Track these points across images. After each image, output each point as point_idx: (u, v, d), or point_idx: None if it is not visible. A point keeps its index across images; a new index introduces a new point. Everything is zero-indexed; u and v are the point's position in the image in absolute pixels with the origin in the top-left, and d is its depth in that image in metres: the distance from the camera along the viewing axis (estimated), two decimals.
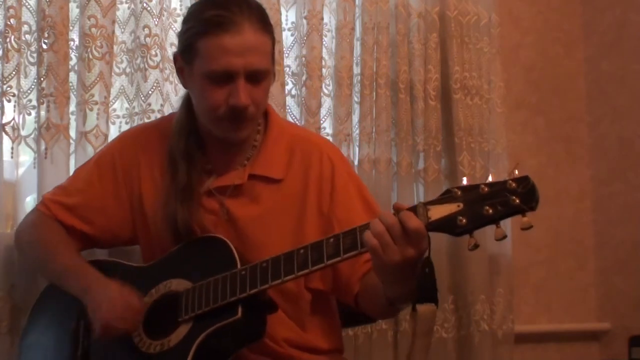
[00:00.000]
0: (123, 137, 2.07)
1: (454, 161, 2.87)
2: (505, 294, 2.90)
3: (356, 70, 2.73)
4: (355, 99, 2.73)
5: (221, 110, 1.78)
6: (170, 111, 2.43)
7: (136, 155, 1.95)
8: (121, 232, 1.96)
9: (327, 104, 2.69)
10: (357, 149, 2.71)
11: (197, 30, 1.78)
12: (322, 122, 2.65)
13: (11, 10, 2.23)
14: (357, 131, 2.72)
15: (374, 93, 2.73)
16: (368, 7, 2.74)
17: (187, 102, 1.91)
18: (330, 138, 2.65)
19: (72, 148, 2.32)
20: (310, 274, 1.80)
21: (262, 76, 1.78)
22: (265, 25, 1.80)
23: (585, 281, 3.30)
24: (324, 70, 2.66)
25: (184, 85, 1.89)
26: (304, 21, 2.62)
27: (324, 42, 2.67)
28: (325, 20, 2.68)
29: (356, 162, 2.69)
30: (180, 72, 1.88)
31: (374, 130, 2.73)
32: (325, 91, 2.68)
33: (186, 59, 1.82)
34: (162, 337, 1.74)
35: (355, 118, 2.73)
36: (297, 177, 1.88)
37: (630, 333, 3.03)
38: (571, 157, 3.35)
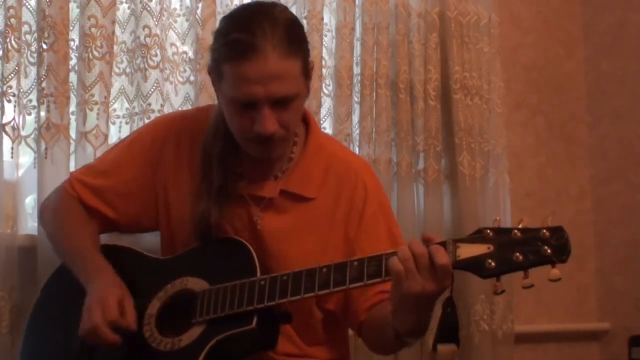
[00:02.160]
0: (156, 125, 2.03)
1: (454, 161, 2.87)
2: (505, 294, 2.88)
3: (356, 70, 2.73)
4: (355, 99, 2.73)
5: (248, 135, 1.74)
6: (171, 111, 2.43)
7: (167, 145, 1.92)
8: (144, 219, 1.95)
9: (327, 104, 2.69)
10: (357, 149, 2.70)
11: (220, 54, 1.72)
12: (322, 122, 2.65)
13: (11, 10, 2.23)
14: (357, 131, 2.71)
15: (374, 93, 2.73)
16: (368, 7, 2.74)
17: None
18: None
19: (72, 148, 2.31)
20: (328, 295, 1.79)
21: (289, 100, 1.71)
22: (293, 44, 1.70)
23: (585, 281, 3.30)
24: (324, 70, 2.65)
25: (217, 98, 1.84)
26: (304, 21, 2.61)
27: (324, 42, 2.67)
28: (325, 20, 2.67)
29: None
30: (213, 84, 1.82)
31: (374, 130, 2.72)
32: (325, 91, 2.68)
33: (215, 77, 1.77)
34: (174, 335, 1.73)
35: (355, 118, 2.72)
36: (328, 197, 1.85)
37: (630, 333, 3.04)
38: (571, 157, 3.35)
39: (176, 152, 1.91)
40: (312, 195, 1.85)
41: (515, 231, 1.50)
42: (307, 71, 1.77)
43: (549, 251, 1.47)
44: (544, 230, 1.48)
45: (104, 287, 1.76)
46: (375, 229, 1.85)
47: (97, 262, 1.84)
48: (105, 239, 2.07)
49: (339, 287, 1.61)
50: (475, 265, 1.50)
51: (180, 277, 1.80)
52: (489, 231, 1.51)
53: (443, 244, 1.53)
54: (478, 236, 1.52)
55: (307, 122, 1.91)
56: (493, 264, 1.49)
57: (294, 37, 1.72)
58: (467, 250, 1.51)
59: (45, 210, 2.03)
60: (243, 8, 1.84)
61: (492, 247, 1.50)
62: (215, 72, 1.76)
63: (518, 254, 1.48)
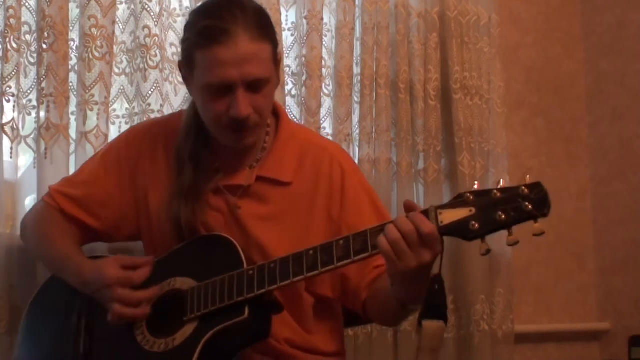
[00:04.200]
0: (131, 132, 2.05)
1: (454, 161, 2.87)
2: (505, 294, 2.90)
3: (356, 70, 2.73)
4: (355, 99, 2.73)
5: (223, 121, 1.76)
6: (170, 111, 2.43)
7: (143, 150, 1.94)
8: (125, 226, 1.95)
9: (327, 104, 2.69)
10: (357, 149, 2.71)
11: (192, 42, 1.76)
12: (322, 122, 2.65)
13: (11, 10, 2.23)
14: (357, 131, 2.72)
15: (374, 93, 2.73)
16: (368, 7, 2.74)
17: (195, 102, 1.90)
18: (330, 138, 2.65)
19: (72, 148, 2.32)
20: (318, 279, 1.80)
21: (262, 84, 1.75)
22: (263, 29, 1.75)
23: (585, 281, 3.30)
24: (324, 70, 2.66)
25: (189, 92, 1.88)
26: (304, 21, 2.62)
27: (324, 42, 2.67)
28: (325, 20, 2.68)
29: (356, 162, 2.69)
30: (184, 79, 1.86)
31: (374, 130, 2.73)
32: (325, 91, 2.68)
33: (187, 68, 1.80)
34: (166, 335, 1.73)
35: (355, 118, 2.73)
36: (306, 181, 1.87)
37: (630, 333, 3.03)
38: (571, 157, 3.35)
39: (153, 158, 1.93)
40: (288, 179, 1.87)
41: (495, 191, 1.51)
42: (276, 59, 1.81)
43: (529, 206, 1.48)
44: (523, 188, 1.49)
45: (96, 271, 1.78)
46: (359, 205, 1.87)
47: (89, 262, 1.85)
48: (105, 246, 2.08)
49: (327, 266, 1.62)
50: (459, 229, 1.52)
51: (167, 278, 1.80)
52: (469, 195, 1.53)
53: (425, 212, 1.54)
54: (459, 200, 1.54)
55: (278, 113, 1.94)
56: (477, 225, 1.50)
57: (263, 23, 1.77)
58: (450, 215, 1.53)
59: (26, 225, 2.02)
60: (211, 0, 1.86)
61: (473, 210, 1.51)
62: (187, 63, 1.78)
63: (500, 213, 1.49)
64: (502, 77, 2.99)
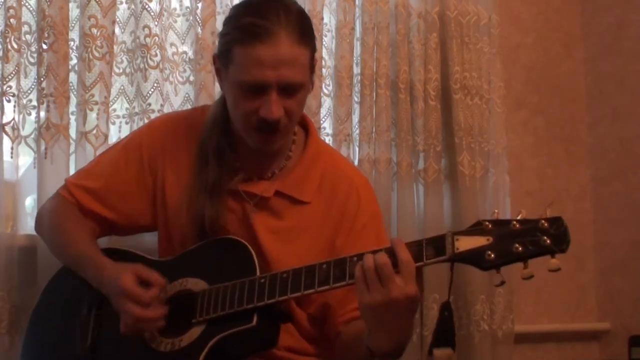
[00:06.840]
0: (152, 124, 2.05)
1: (454, 161, 2.87)
2: (505, 294, 2.90)
3: (356, 70, 2.73)
4: (355, 99, 2.72)
5: (252, 121, 1.75)
6: (171, 111, 2.43)
7: (164, 143, 1.93)
8: (142, 219, 1.95)
9: (327, 104, 2.69)
10: (357, 149, 2.71)
11: (232, 37, 1.75)
12: (322, 122, 2.65)
13: (11, 10, 2.23)
14: (357, 131, 2.71)
15: (374, 93, 2.73)
16: (368, 7, 2.74)
17: (224, 98, 1.89)
18: (330, 138, 2.65)
19: (72, 148, 2.32)
20: (308, 300, 1.80)
21: (296, 89, 1.75)
22: (304, 35, 1.75)
23: (585, 281, 3.30)
24: (324, 70, 2.65)
25: (220, 87, 1.87)
26: None
27: (324, 42, 2.67)
28: (325, 20, 2.67)
29: (356, 162, 2.68)
30: (217, 72, 1.85)
31: (374, 130, 2.72)
32: (325, 91, 2.68)
33: (222, 62, 1.79)
34: (174, 335, 1.73)
35: (355, 118, 2.72)
36: (321, 203, 1.87)
37: (630, 333, 3.03)
38: (571, 157, 3.35)
39: (173, 152, 1.92)
40: (308, 199, 1.86)
41: (514, 222, 1.50)
42: (312, 65, 1.80)
43: (548, 241, 1.47)
44: (543, 221, 1.48)
45: (114, 277, 1.76)
46: (364, 240, 1.83)
47: (105, 262, 1.84)
48: (105, 241, 2.07)
49: (339, 282, 1.61)
50: (474, 257, 1.51)
51: (179, 278, 1.79)
52: (487, 223, 1.52)
53: (442, 237, 1.53)
54: (477, 228, 1.52)
55: (306, 125, 1.93)
56: (492, 255, 1.49)
57: (305, 28, 1.77)
58: (466, 243, 1.51)
59: (42, 218, 2.02)
60: None
61: (491, 239, 1.50)
62: (224, 56, 1.77)
63: (517, 245, 1.48)
64: (502, 77, 2.98)
